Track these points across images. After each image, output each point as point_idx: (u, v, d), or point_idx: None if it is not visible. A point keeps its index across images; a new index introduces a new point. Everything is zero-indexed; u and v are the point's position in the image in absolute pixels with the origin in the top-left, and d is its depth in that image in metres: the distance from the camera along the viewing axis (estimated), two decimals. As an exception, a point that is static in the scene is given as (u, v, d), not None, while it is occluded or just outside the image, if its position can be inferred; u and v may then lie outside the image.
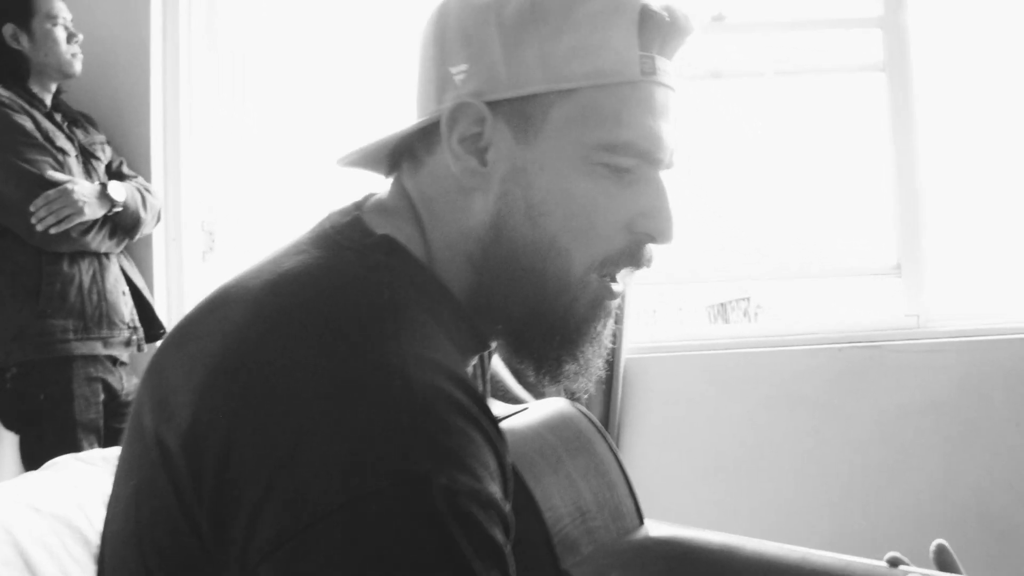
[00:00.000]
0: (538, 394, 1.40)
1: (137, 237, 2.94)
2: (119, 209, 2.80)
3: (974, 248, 3.31)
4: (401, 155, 1.09)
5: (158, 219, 3.02)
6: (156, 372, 0.98)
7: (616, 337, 2.88)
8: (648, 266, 1.06)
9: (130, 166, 3.06)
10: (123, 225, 2.85)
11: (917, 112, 3.20)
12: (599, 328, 1.06)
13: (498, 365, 1.55)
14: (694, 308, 3.77)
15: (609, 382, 3.00)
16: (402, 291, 0.96)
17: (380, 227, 1.02)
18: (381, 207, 1.08)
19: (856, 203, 3.34)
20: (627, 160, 1.00)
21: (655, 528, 1.24)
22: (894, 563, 1.14)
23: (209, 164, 3.42)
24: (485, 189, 1.01)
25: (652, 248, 1.05)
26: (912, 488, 3.04)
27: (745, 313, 3.64)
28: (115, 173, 2.97)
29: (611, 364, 2.98)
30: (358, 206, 1.08)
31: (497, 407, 1.38)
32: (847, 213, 3.34)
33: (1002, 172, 3.27)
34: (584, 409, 1.30)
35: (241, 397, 0.86)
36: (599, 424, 1.28)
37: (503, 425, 1.26)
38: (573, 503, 1.21)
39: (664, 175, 1.05)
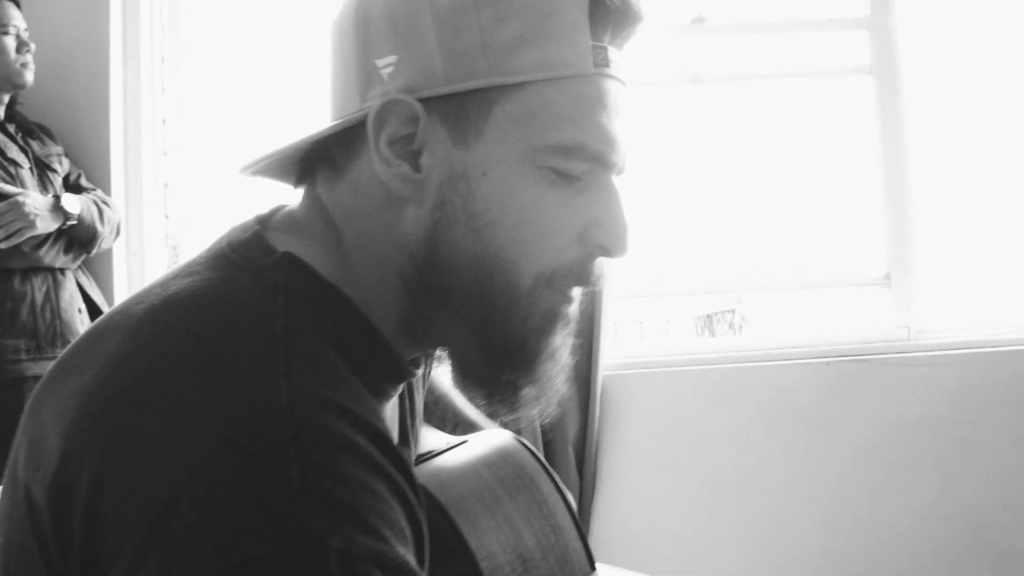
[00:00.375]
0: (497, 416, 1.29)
1: (95, 252, 2.83)
2: (73, 222, 2.70)
3: (966, 257, 3.21)
4: (316, 162, 0.96)
5: (117, 233, 2.91)
6: (33, 412, 0.86)
7: (592, 353, 2.78)
8: (596, 285, 0.94)
9: (89, 178, 2.96)
10: (79, 239, 2.75)
11: (906, 116, 3.11)
12: (557, 343, 0.93)
13: (448, 387, 1.44)
14: (681, 319, 3.66)
15: (586, 400, 2.88)
16: (301, 318, 0.83)
17: (284, 244, 0.90)
18: (289, 221, 0.96)
19: (844, 211, 3.23)
20: (579, 164, 0.88)
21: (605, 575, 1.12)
22: None
23: (173, 176, 3.31)
24: (419, 198, 0.89)
25: (602, 264, 0.94)
26: (905, 506, 2.93)
27: (731, 325, 3.54)
28: (72, 186, 2.87)
29: (588, 381, 2.87)
30: (261, 220, 0.95)
31: (433, 438, 1.28)
32: (835, 221, 3.23)
33: (995, 179, 3.17)
34: (528, 443, 1.18)
35: (110, 445, 0.75)
36: (544, 460, 1.16)
37: (435, 463, 1.15)
38: (513, 550, 1.10)
39: (617, 181, 0.94)
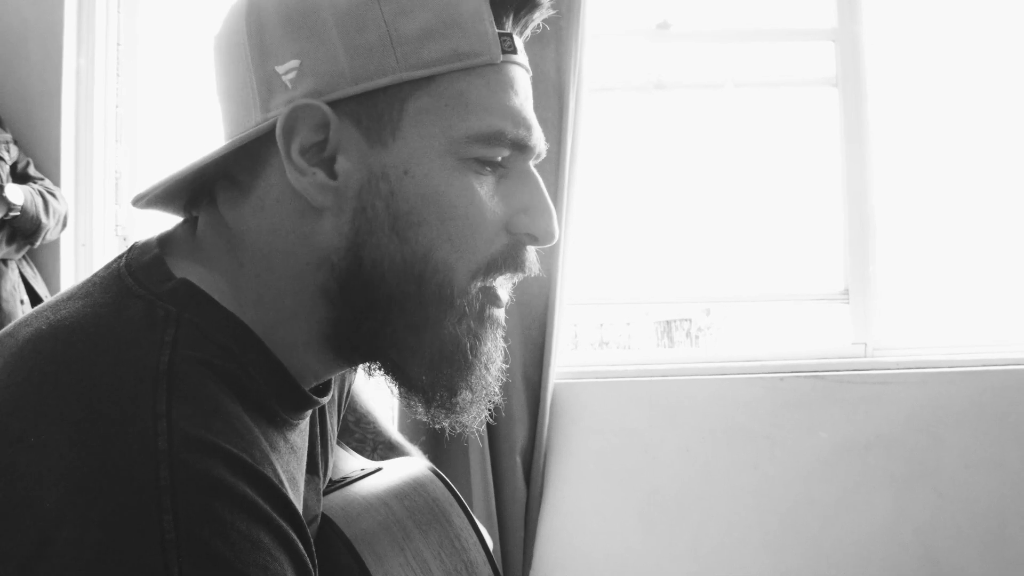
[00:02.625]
0: (421, 434, 1.24)
1: (39, 243, 2.76)
2: (16, 213, 2.63)
3: (926, 275, 3.18)
4: (212, 183, 0.91)
5: (64, 225, 2.84)
6: None
7: (544, 361, 2.74)
8: (532, 272, 0.92)
9: (38, 166, 2.89)
10: (22, 230, 2.69)
11: (870, 130, 3.08)
12: (491, 344, 0.91)
13: (370, 406, 1.40)
14: (642, 322, 3.63)
15: (535, 408, 2.84)
16: (189, 352, 0.78)
17: (183, 268, 0.86)
18: (190, 244, 0.91)
19: (806, 224, 3.20)
20: (501, 151, 0.86)
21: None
22: None
23: (125, 164, 3.24)
24: (337, 207, 0.85)
25: (532, 251, 0.92)
26: (855, 527, 2.90)
27: (688, 334, 3.50)
28: (20, 175, 2.80)
29: (538, 389, 2.83)
30: (163, 241, 0.90)
31: (349, 464, 1.23)
32: (796, 234, 3.20)
33: (957, 197, 3.14)
34: (442, 474, 1.14)
35: None
36: (457, 492, 1.12)
37: (346, 492, 1.11)
38: (423, 587, 1.05)
39: (535, 167, 0.92)
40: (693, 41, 3.23)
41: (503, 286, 0.92)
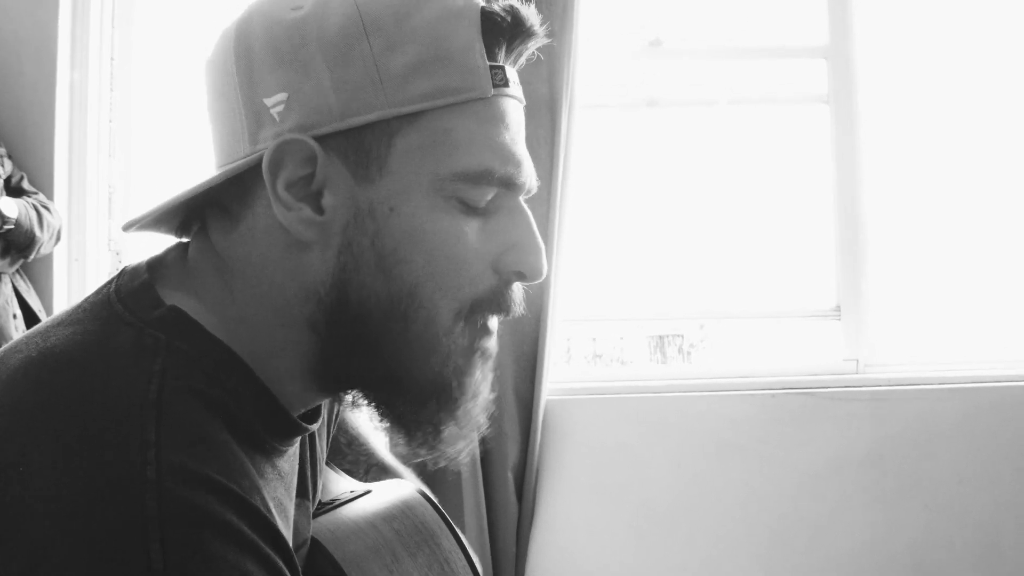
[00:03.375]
0: (412, 459, 1.24)
1: (32, 257, 2.76)
2: (10, 227, 2.63)
3: (918, 292, 3.18)
4: (205, 209, 0.91)
5: (58, 239, 2.84)
6: None
7: (536, 378, 2.75)
8: (517, 313, 0.91)
9: (32, 180, 2.88)
10: (16, 244, 2.68)
11: (861, 147, 3.09)
12: (478, 379, 0.90)
13: (362, 427, 1.40)
14: (635, 336, 3.63)
15: (527, 425, 2.85)
16: (179, 382, 0.78)
17: (173, 295, 0.85)
18: (181, 270, 0.91)
19: (798, 241, 3.20)
20: (487, 189, 0.85)
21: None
22: None
23: (118, 179, 3.24)
24: (324, 242, 0.85)
25: (519, 291, 0.91)
26: (846, 543, 2.90)
27: (680, 349, 3.51)
28: (14, 188, 2.80)
29: (530, 406, 2.83)
30: (153, 266, 0.90)
31: (339, 485, 1.24)
32: (787, 251, 3.21)
33: (948, 215, 3.15)
34: (431, 496, 1.14)
35: None
36: (446, 515, 1.12)
37: (335, 515, 1.12)
38: (411, 609, 1.06)
39: (525, 203, 0.91)
40: (685, 58, 3.24)
41: (495, 328, 0.92)
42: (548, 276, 2.76)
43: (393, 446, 1.24)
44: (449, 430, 0.90)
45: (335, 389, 0.92)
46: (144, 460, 0.71)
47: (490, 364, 0.92)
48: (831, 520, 2.91)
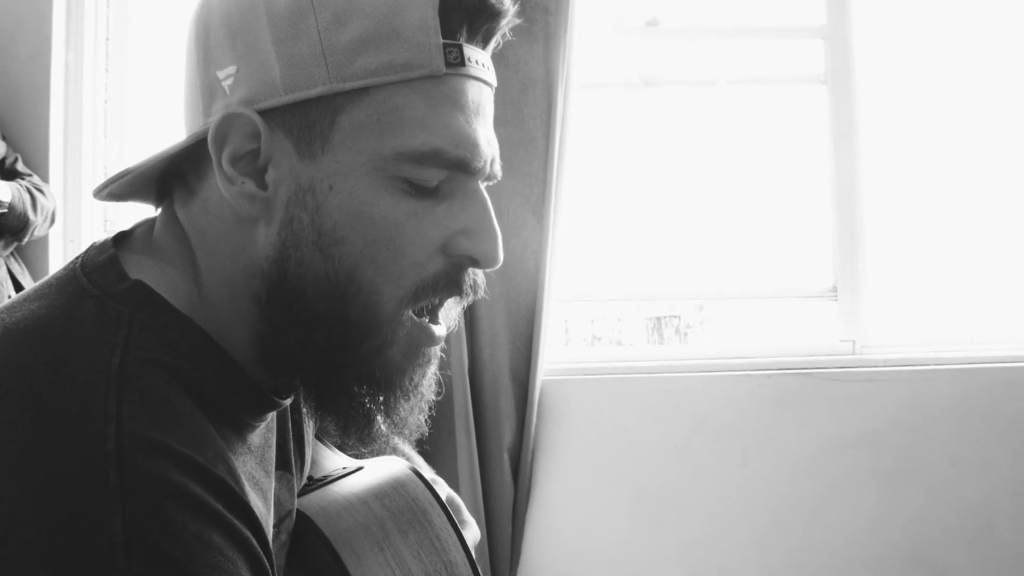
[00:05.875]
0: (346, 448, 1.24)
1: (27, 240, 2.75)
2: (4, 211, 2.62)
3: (915, 273, 3.18)
4: (172, 180, 0.91)
5: (52, 221, 2.83)
6: None
7: (531, 358, 2.74)
8: (475, 295, 0.90)
9: (27, 161, 2.88)
10: (9, 227, 2.67)
11: (859, 128, 3.08)
12: (417, 379, 0.89)
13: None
14: (633, 319, 3.62)
15: (523, 405, 2.85)
16: (142, 354, 0.78)
17: (137, 269, 0.85)
18: (146, 243, 0.91)
19: (795, 221, 3.20)
20: (436, 172, 0.84)
21: (500, 614, 1.08)
22: None
23: (113, 160, 3.23)
24: (267, 217, 0.84)
25: (477, 273, 0.89)
26: (842, 523, 2.91)
27: (677, 331, 3.50)
28: (8, 170, 2.79)
29: (526, 386, 2.83)
30: (119, 241, 0.90)
31: (331, 462, 1.23)
32: (784, 232, 3.20)
33: (946, 195, 3.14)
34: (423, 474, 1.14)
35: None
36: (438, 492, 1.12)
37: (326, 492, 1.11)
38: (401, 586, 1.06)
39: (484, 187, 0.89)
40: (682, 38, 3.23)
41: (448, 312, 0.91)
42: (544, 255, 2.76)
43: (327, 435, 1.23)
44: (380, 425, 0.89)
45: (276, 371, 0.90)
46: (105, 432, 0.71)
47: (432, 368, 0.91)
48: (826, 501, 2.92)
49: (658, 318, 3.61)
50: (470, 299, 0.90)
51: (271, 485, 0.97)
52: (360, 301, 0.83)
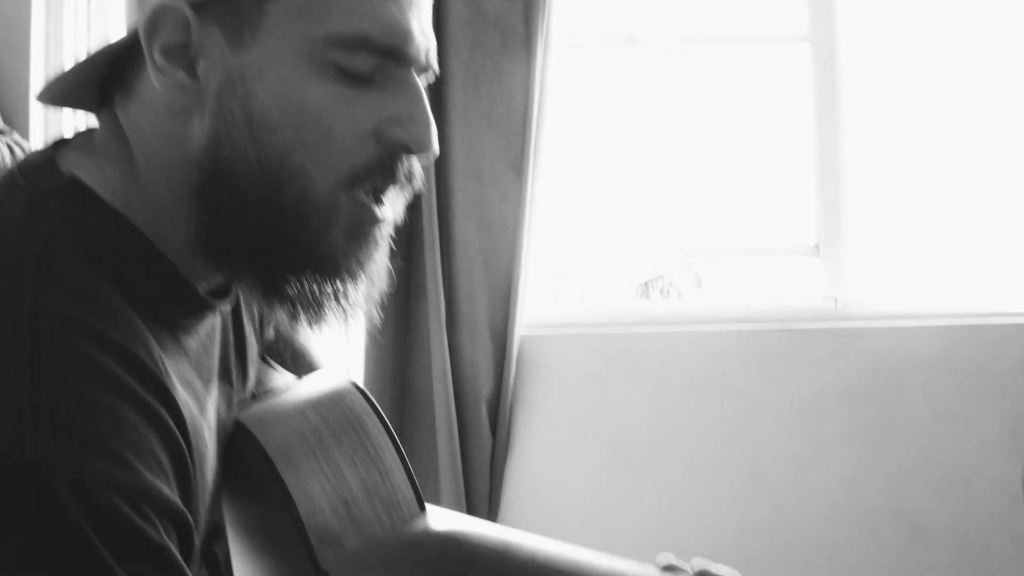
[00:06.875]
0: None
1: (6, 195, 2.75)
2: (-20, 166, 2.62)
3: (898, 230, 3.16)
4: (113, 84, 0.91)
5: (33, 176, 2.82)
6: None
7: (509, 312, 2.75)
8: (412, 184, 0.90)
9: (7, 121, 2.87)
10: (-12, 181, 2.67)
11: (842, 85, 3.06)
12: (363, 260, 0.90)
13: (308, 346, 1.40)
14: (620, 284, 3.62)
15: (501, 359, 2.85)
16: (69, 243, 0.80)
17: (75, 167, 0.86)
18: (86, 143, 0.92)
19: (778, 179, 3.18)
20: (366, 59, 0.84)
21: (436, 520, 1.09)
22: (668, 568, 0.99)
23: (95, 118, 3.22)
24: (200, 108, 0.85)
25: (413, 162, 0.90)
26: (823, 479, 2.91)
27: (661, 291, 3.50)
28: (-15, 126, 2.79)
29: (504, 340, 2.83)
30: (60, 143, 0.92)
31: (276, 380, 1.24)
32: (766, 189, 3.19)
33: (930, 151, 3.13)
34: (362, 386, 1.14)
35: None
36: (376, 404, 1.13)
37: (264, 403, 1.12)
38: (335, 492, 1.07)
39: (418, 78, 0.89)
40: (664, -5, 3.22)
41: (390, 201, 0.91)
42: (523, 210, 2.76)
43: (278, 323, 1.23)
44: (330, 304, 0.89)
45: (221, 264, 0.91)
46: (20, 308, 0.73)
47: (380, 248, 0.91)
48: (807, 457, 2.92)
49: (645, 283, 3.61)
50: (408, 189, 0.91)
51: (210, 395, 0.98)
52: (293, 187, 0.84)
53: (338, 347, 2.74)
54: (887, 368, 2.92)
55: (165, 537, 0.74)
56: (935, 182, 3.11)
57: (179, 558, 0.75)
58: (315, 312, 0.90)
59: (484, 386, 2.83)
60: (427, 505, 1.11)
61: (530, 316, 2.96)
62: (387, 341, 2.81)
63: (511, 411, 2.90)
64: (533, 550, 1.04)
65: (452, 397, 2.78)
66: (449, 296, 2.81)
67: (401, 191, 0.91)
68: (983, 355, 2.91)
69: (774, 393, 2.93)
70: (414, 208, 2.82)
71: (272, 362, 1.31)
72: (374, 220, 0.89)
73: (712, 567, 1.00)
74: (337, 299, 0.89)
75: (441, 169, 2.75)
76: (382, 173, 0.87)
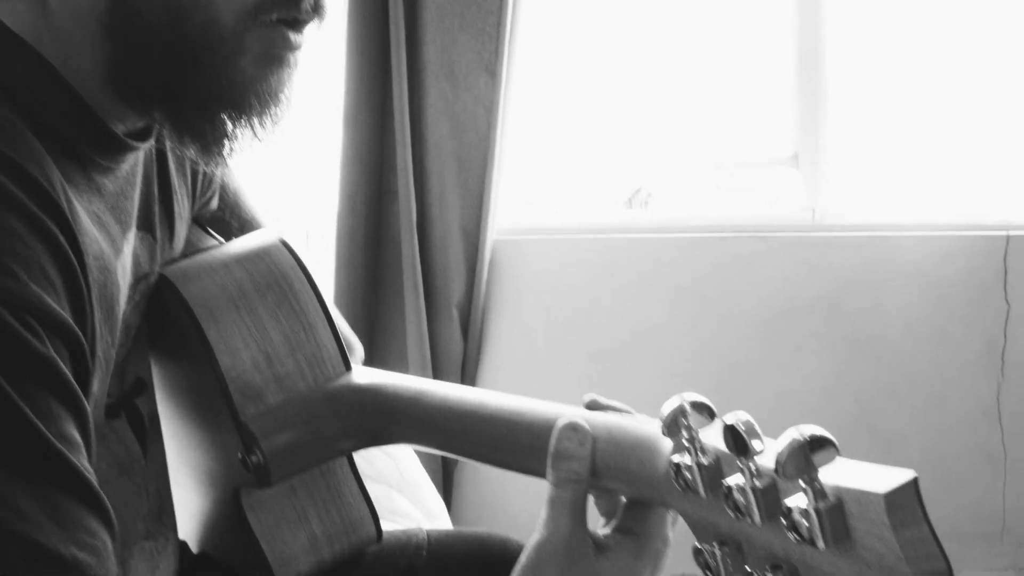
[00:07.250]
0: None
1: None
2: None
3: (878, 141, 3.12)
4: None
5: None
6: None
7: (481, 216, 2.73)
8: (319, 15, 0.88)
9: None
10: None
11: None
12: (275, 85, 0.88)
13: (240, 193, 1.40)
14: (599, 195, 3.58)
15: (473, 264, 2.83)
16: None
17: None
18: None
19: (755, 88, 3.14)
20: None
21: (360, 375, 1.08)
22: (592, 406, 0.98)
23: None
24: None
25: None
26: (793, 389, 2.90)
27: (642, 204, 3.47)
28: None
29: (476, 244, 2.82)
30: None
31: (204, 242, 1.23)
32: (745, 99, 3.15)
33: (911, 61, 3.08)
34: (292, 245, 1.13)
35: None
36: (304, 262, 1.11)
37: (193, 258, 1.11)
38: (257, 346, 1.06)
39: None
40: None
41: (300, 27, 0.89)
42: (496, 112, 2.73)
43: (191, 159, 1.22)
44: (242, 132, 0.88)
45: (132, 100, 0.89)
46: None
47: (291, 72, 0.90)
48: (781, 365, 2.91)
49: (629, 199, 3.57)
50: (316, 21, 0.89)
51: (127, 240, 0.97)
52: (199, 16, 0.82)
53: (307, 247, 2.73)
54: (862, 278, 2.90)
55: (52, 351, 0.72)
56: (915, 93, 3.07)
57: (68, 375, 0.73)
58: (226, 144, 0.89)
59: (455, 290, 2.82)
60: (352, 364, 1.11)
61: (504, 221, 2.95)
62: (357, 242, 2.79)
63: (483, 316, 2.90)
64: (445, 395, 1.04)
65: (422, 300, 2.77)
66: (420, 198, 2.79)
67: (308, 22, 0.89)
68: (960, 268, 2.87)
69: (749, 302, 2.92)
70: (385, 108, 2.80)
71: (207, 228, 1.30)
72: (287, 44, 0.87)
73: (611, 402, 1.00)
74: (250, 126, 0.88)
75: (413, 69, 2.71)
76: (287, 2, 0.85)
